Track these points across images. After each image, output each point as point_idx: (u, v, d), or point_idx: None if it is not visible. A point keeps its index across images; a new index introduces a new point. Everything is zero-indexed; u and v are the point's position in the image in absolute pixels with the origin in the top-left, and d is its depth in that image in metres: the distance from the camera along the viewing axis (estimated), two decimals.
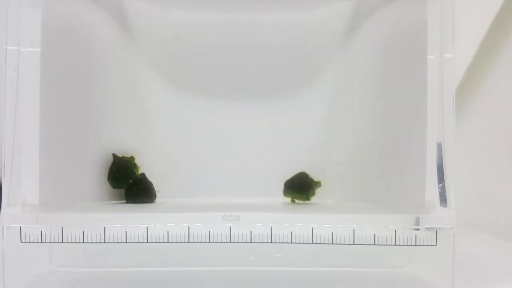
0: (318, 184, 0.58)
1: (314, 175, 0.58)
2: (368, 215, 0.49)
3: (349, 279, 0.52)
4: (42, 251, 0.53)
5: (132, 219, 0.48)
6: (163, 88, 0.58)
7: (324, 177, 0.58)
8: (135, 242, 0.48)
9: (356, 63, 0.57)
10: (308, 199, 0.58)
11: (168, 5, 0.57)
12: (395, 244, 0.48)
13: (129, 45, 0.57)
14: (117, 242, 0.47)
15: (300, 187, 0.58)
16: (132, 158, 0.57)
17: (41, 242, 0.47)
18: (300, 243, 0.48)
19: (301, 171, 0.58)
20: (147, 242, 0.48)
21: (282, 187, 0.58)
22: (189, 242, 0.48)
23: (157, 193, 0.57)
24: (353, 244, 0.48)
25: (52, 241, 0.47)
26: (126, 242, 0.48)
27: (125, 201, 0.56)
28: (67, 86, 0.52)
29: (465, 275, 0.50)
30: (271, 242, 0.48)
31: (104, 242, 0.47)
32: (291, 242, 0.48)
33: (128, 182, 0.56)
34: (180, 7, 0.57)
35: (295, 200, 0.58)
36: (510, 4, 0.78)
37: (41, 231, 0.47)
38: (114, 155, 0.56)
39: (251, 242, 0.48)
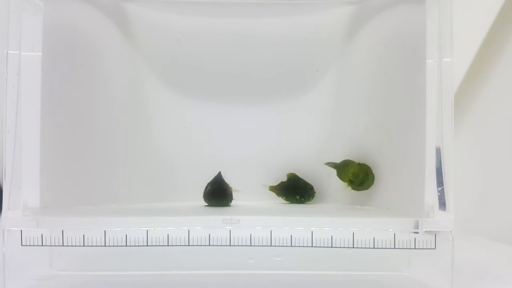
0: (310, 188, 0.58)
1: (314, 178, 0.59)
2: (367, 219, 0.49)
3: (349, 282, 0.52)
4: (42, 254, 0.53)
5: (132, 223, 0.48)
6: (164, 92, 0.59)
7: (323, 181, 0.59)
8: (135, 246, 0.48)
9: (355, 68, 0.57)
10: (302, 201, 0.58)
11: (169, 10, 0.57)
12: (394, 248, 0.48)
13: (130, 50, 0.57)
14: (117, 246, 0.48)
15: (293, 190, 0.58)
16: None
17: (42, 245, 0.48)
18: (299, 246, 0.48)
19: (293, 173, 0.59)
20: (147, 245, 0.48)
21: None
22: (189, 245, 0.48)
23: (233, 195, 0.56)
24: (353, 247, 0.48)
25: (53, 244, 0.48)
26: (126, 246, 0.48)
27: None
28: (68, 90, 0.52)
29: (464, 278, 0.50)
30: (271, 245, 0.48)
31: (105, 246, 0.47)
32: (291, 246, 0.48)
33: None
34: (181, 12, 0.57)
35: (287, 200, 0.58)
36: (509, 8, 0.78)
37: (42, 235, 0.47)
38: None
39: (250, 245, 0.48)
